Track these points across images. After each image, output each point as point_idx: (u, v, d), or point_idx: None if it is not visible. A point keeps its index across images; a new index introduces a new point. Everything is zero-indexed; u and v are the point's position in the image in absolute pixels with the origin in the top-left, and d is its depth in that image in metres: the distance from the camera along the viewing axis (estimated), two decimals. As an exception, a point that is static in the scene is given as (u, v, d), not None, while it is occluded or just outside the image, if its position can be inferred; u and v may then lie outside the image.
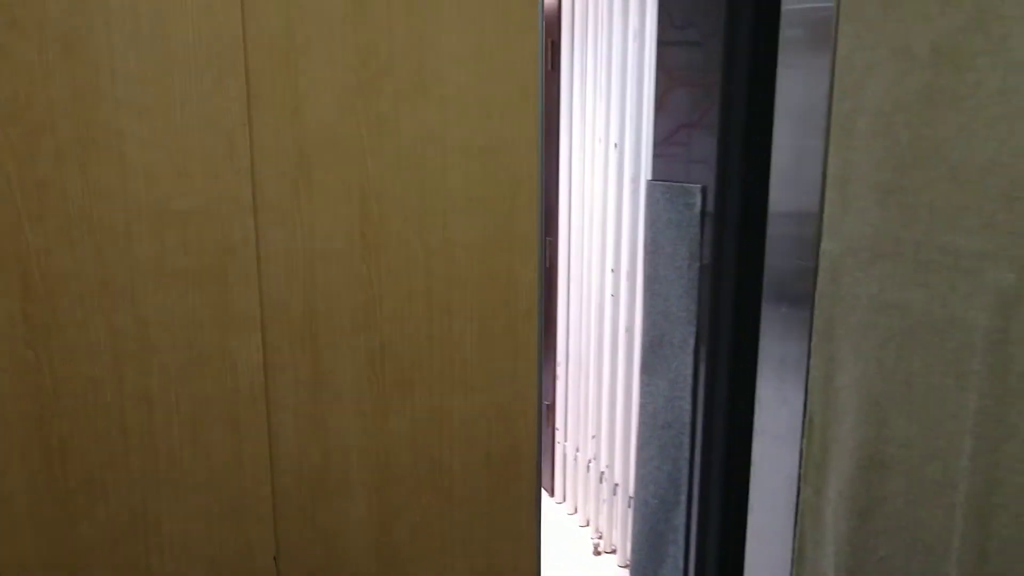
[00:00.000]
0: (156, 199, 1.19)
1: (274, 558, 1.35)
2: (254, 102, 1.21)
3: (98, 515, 1.26)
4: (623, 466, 2.60)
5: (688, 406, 1.81)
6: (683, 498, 1.85)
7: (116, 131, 1.16)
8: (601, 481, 2.74)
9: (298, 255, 1.27)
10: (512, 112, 1.31)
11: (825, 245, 1.36)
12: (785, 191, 1.49)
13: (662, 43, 2.00)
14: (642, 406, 1.98)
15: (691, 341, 1.77)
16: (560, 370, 2.98)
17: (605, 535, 2.73)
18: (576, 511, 2.95)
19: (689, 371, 1.78)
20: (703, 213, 1.70)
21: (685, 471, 1.84)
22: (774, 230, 1.53)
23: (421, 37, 1.25)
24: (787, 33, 1.43)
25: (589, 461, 2.81)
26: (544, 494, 3.02)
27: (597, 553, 2.71)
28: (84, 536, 1.26)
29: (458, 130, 1.29)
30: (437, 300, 1.34)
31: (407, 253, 1.31)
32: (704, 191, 1.69)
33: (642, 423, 1.99)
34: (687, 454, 1.82)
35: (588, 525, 2.87)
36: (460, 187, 1.31)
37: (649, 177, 2.10)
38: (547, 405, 3.01)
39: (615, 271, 2.53)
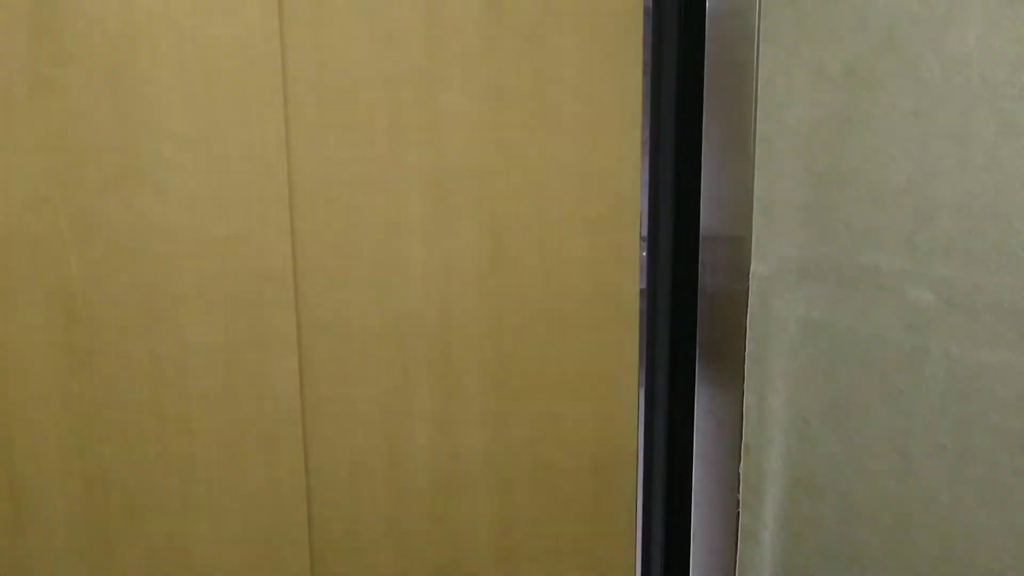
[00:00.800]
0: (196, 226, 1.21)
1: None
2: (292, 130, 1.24)
3: (138, 543, 1.27)
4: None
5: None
6: (627, 527, 1.83)
7: (159, 160, 1.17)
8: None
9: (436, 271, 1.35)
10: (617, 138, 1.42)
11: (754, 267, 1.36)
12: (716, 215, 1.50)
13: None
14: (587, 435, 1.97)
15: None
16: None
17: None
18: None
19: (630, 398, 1.77)
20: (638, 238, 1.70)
21: (629, 499, 1.82)
22: (706, 254, 1.53)
23: (543, 71, 1.36)
24: (711, 56, 1.45)
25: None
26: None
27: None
28: (123, 564, 1.27)
29: (573, 155, 1.40)
30: (553, 311, 1.44)
31: (528, 269, 1.41)
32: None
33: (587, 452, 1.97)
34: (630, 482, 1.81)
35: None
36: (574, 208, 1.41)
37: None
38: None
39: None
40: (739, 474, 1.45)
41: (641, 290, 1.74)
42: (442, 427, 1.41)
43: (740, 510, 1.46)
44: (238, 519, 1.31)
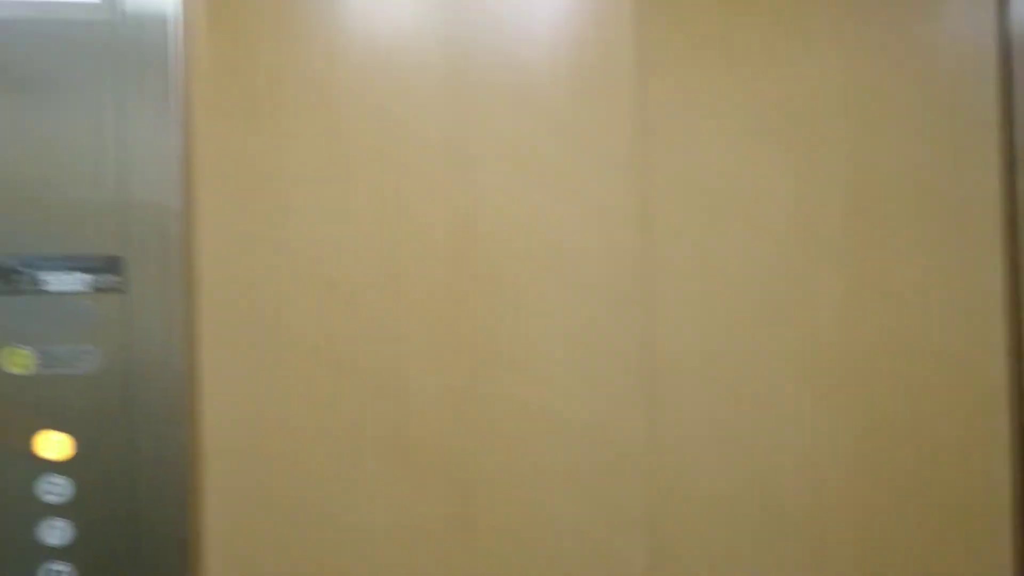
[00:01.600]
0: (555, 408, 1.35)
1: None
2: (656, 325, 1.37)
3: None
4: None
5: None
6: None
7: (530, 349, 1.35)
8: None
9: (806, 449, 1.39)
10: (983, 323, 1.40)
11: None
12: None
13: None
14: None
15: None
16: None
17: None
18: None
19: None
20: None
21: None
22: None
23: (905, 257, 1.39)
24: None
25: None
26: None
27: None
28: None
29: (941, 338, 1.40)
30: (924, 497, 1.41)
31: (899, 452, 1.41)
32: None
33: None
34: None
35: None
36: (944, 392, 1.40)
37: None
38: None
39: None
40: None
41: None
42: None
43: None
44: None
